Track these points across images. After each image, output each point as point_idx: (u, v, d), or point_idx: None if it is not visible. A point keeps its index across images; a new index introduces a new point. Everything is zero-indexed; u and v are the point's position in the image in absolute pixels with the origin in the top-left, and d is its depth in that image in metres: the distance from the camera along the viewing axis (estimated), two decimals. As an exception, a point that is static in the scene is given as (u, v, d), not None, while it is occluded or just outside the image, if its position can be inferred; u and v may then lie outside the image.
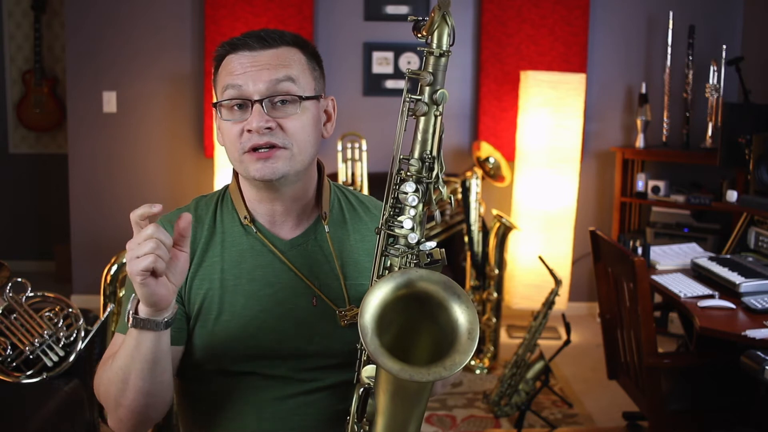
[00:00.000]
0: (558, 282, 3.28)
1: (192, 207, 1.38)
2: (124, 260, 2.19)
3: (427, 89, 1.14)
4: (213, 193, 1.41)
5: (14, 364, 1.87)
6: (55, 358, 1.88)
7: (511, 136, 4.49)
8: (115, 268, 2.22)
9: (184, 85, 4.57)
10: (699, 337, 2.62)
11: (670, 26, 4.33)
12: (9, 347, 1.87)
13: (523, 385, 3.21)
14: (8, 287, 1.87)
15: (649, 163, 4.52)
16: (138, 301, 1.14)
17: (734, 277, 2.62)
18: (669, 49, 4.34)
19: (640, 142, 4.40)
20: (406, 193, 1.15)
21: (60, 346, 1.89)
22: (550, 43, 4.50)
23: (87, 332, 1.92)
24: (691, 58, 4.29)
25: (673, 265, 2.97)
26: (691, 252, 3.10)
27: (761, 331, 2.24)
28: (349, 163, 4.13)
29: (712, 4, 4.54)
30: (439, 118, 1.15)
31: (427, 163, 1.15)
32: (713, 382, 2.64)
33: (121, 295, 2.21)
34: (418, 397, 1.16)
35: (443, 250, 1.13)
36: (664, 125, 4.39)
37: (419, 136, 1.15)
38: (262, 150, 1.24)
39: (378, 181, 4.15)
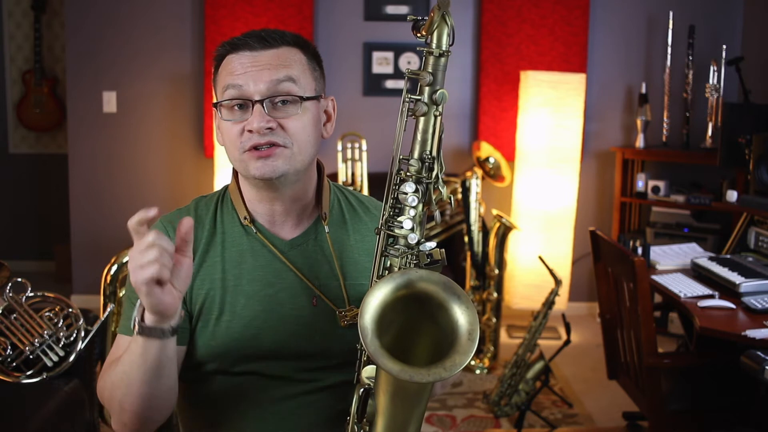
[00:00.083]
0: (558, 282, 3.28)
1: (192, 207, 1.38)
2: (125, 260, 2.20)
3: (426, 89, 1.14)
4: (213, 194, 1.41)
5: (14, 364, 1.87)
6: (55, 358, 1.88)
7: (511, 136, 4.49)
8: (115, 268, 2.21)
9: (184, 85, 4.57)
10: (699, 337, 2.62)
11: (670, 26, 4.33)
12: (9, 347, 1.87)
13: (523, 385, 3.21)
14: (8, 287, 1.87)
15: (649, 163, 4.52)
16: (144, 309, 1.12)
17: (734, 277, 2.62)
18: (669, 49, 4.34)
19: (640, 142, 4.40)
20: (406, 194, 1.15)
21: (60, 346, 1.89)
22: (550, 43, 4.50)
23: (87, 332, 1.92)
24: (691, 58, 4.29)
25: (673, 265, 2.97)
26: (691, 252, 3.10)
27: (761, 331, 2.24)
28: (349, 163, 4.13)
29: (712, 4, 4.54)
30: (438, 118, 1.15)
31: (426, 164, 1.15)
32: (713, 382, 2.64)
33: (121, 295, 2.21)
34: (418, 397, 1.16)
35: (443, 250, 1.13)
36: (664, 125, 4.39)
37: (419, 136, 1.15)
38: (263, 148, 1.24)
39: (378, 181, 4.15)
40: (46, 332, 1.88)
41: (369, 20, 4.54)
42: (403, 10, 4.49)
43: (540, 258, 3.41)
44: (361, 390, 1.17)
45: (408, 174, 1.16)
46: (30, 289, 1.89)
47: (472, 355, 1.05)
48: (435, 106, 1.14)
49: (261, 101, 1.24)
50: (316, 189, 1.37)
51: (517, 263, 4.31)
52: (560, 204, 4.24)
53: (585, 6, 4.49)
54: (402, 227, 1.15)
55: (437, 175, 1.16)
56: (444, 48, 1.13)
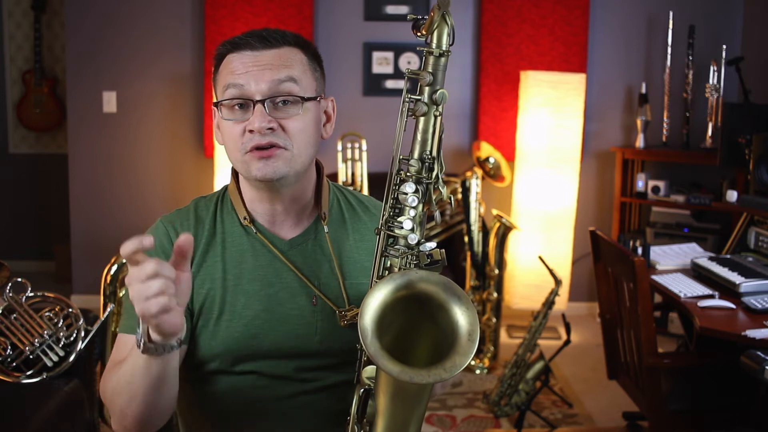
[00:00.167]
0: (558, 282, 3.28)
1: (191, 208, 1.38)
2: (124, 260, 2.20)
3: (426, 89, 1.14)
4: (212, 194, 1.41)
5: (14, 364, 1.87)
6: (55, 358, 1.88)
7: (511, 136, 4.49)
8: (115, 268, 2.22)
9: (184, 85, 4.57)
10: (699, 337, 2.62)
11: (670, 26, 4.33)
12: (9, 347, 1.87)
13: (523, 385, 3.21)
14: (8, 287, 1.87)
15: (649, 163, 4.52)
16: (148, 327, 1.10)
17: (734, 277, 2.62)
18: (669, 49, 4.34)
19: (640, 142, 4.40)
20: (406, 194, 1.15)
21: (60, 346, 1.89)
22: (550, 43, 4.50)
23: (87, 332, 1.92)
24: (691, 58, 4.29)
25: (673, 265, 2.97)
26: (691, 252, 3.10)
27: (761, 331, 2.24)
28: (349, 163, 4.13)
29: (712, 4, 4.54)
30: (438, 118, 1.15)
31: (426, 164, 1.15)
32: (713, 382, 2.64)
33: (121, 295, 2.21)
34: (419, 398, 1.16)
35: (443, 250, 1.13)
36: (664, 125, 4.39)
37: (419, 137, 1.15)
38: (264, 149, 1.24)
39: (378, 181, 4.14)
40: (46, 332, 1.88)
41: (369, 20, 4.54)
42: (403, 10, 4.49)
43: (540, 258, 3.41)
44: (362, 390, 1.17)
45: (408, 174, 1.15)
46: (30, 289, 1.89)
47: (473, 356, 1.05)
48: (435, 106, 1.14)
49: (262, 101, 1.24)
50: (315, 189, 1.37)
51: (517, 263, 4.31)
52: (560, 204, 4.24)
53: (585, 6, 4.49)
54: (402, 227, 1.15)
55: (437, 175, 1.16)
56: (444, 48, 1.13)
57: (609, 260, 2.76)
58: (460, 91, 4.60)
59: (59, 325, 1.90)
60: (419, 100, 1.14)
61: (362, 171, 4.12)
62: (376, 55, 4.55)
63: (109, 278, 2.20)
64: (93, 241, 4.61)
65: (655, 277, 2.74)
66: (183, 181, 4.64)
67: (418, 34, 1.16)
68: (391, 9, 4.51)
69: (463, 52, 4.57)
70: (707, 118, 4.22)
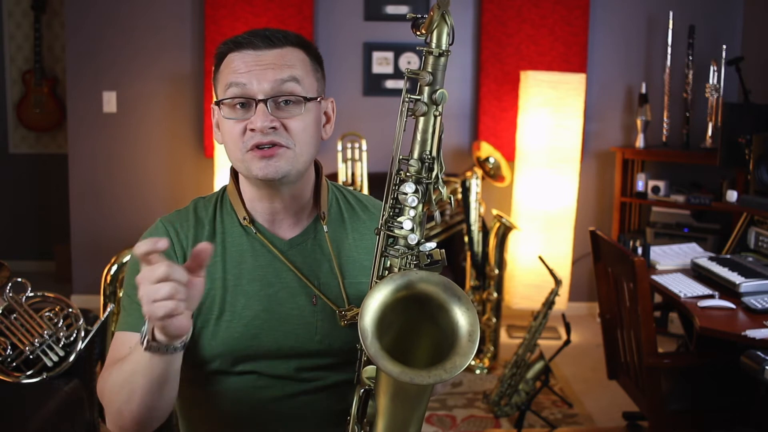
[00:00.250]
0: (558, 282, 3.28)
1: (191, 209, 1.38)
2: (125, 260, 2.20)
3: (426, 89, 1.14)
4: (211, 195, 1.41)
5: (14, 364, 1.87)
6: (55, 358, 1.88)
7: (511, 136, 4.49)
8: (115, 268, 2.22)
9: (184, 85, 4.57)
10: (699, 337, 2.62)
11: (670, 26, 4.33)
12: (9, 347, 1.87)
13: (523, 385, 3.21)
14: (8, 287, 1.87)
15: (649, 163, 4.52)
16: (153, 326, 1.09)
17: (734, 277, 2.62)
18: (669, 49, 4.34)
19: (640, 142, 4.40)
20: (406, 194, 1.15)
21: (60, 346, 1.89)
22: (550, 43, 4.50)
23: (87, 332, 1.92)
24: (691, 58, 4.29)
25: (673, 265, 2.97)
26: (691, 252, 3.10)
27: (761, 331, 2.24)
28: (349, 163, 4.13)
29: (712, 4, 4.54)
30: (438, 118, 1.15)
31: (426, 164, 1.15)
32: (713, 382, 2.64)
33: (120, 295, 2.21)
34: (419, 398, 1.16)
35: (443, 250, 1.13)
36: (664, 125, 4.39)
37: (419, 137, 1.15)
38: (265, 148, 1.24)
39: (378, 181, 4.15)
40: (46, 332, 1.88)
41: (369, 20, 4.54)
42: (403, 10, 4.49)
43: (540, 258, 3.41)
44: (362, 391, 1.17)
45: (408, 174, 1.15)
46: (30, 289, 1.89)
47: (473, 356, 1.05)
48: (435, 106, 1.14)
49: (264, 101, 1.24)
50: (314, 188, 1.37)
51: (517, 263, 4.31)
52: (560, 204, 4.24)
53: (585, 6, 4.49)
54: (402, 227, 1.15)
55: (437, 175, 1.16)
56: (444, 47, 1.13)
57: (609, 260, 2.76)
58: (460, 91, 4.60)
59: (59, 325, 1.90)
60: (419, 99, 1.14)
61: (362, 171, 4.12)
62: (376, 55, 4.55)
63: (109, 278, 2.20)
64: (93, 241, 4.61)
65: (655, 277, 2.74)
66: (183, 181, 4.64)
67: (418, 33, 1.16)
68: (391, 9, 4.51)
69: (463, 52, 4.57)
70: (707, 118, 4.22)
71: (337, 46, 4.55)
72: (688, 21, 4.35)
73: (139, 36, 4.52)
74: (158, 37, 4.53)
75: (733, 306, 2.47)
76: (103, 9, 4.49)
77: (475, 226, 3.86)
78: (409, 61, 4.53)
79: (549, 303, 3.32)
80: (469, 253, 3.88)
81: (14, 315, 1.87)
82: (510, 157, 4.46)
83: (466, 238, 3.89)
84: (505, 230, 3.83)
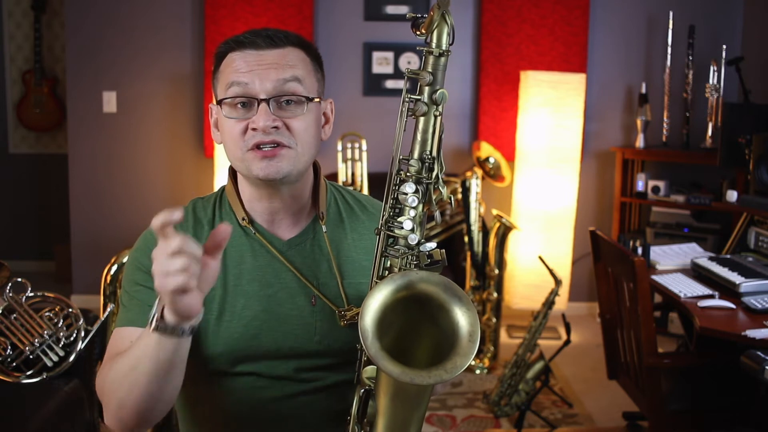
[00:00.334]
0: (558, 282, 3.28)
1: (189, 209, 1.37)
2: (124, 260, 2.20)
3: (426, 89, 1.14)
4: (210, 195, 1.41)
5: (14, 364, 1.88)
6: (55, 358, 1.88)
7: (511, 136, 4.49)
8: (115, 268, 2.22)
9: (184, 85, 4.57)
10: (699, 337, 2.62)
11: (670, 26, 4.33)
12: (9, 347, 1.88)
13: (523, 385, 3.21)
14: (8, 287, 1.87)
15: (649, 163, 4.52)
16: (163, 307, 1.09)
17: (734, 277, 2.62)
18: (669, 49, 4.34)
19: (640, 142, 4.40)
20: (406, 194, 1.15)
21: (60, 346, 1.89)
22: (550, 43, 4.50)
23: (87, 332, 1.92)
24: (691, 58, 4.29)
25: (673, 265, 2.97)
26: (691, 252, 3.10)
27: (761, 331, 2.24)
28: (349, 163, 4.13)
29: (712, 4, 4.54)
30: (438, 118, 1.15)
31: (426, 164, 1.15)
32: (713, 382, 2.64)
33: (120, 294, 2.21)
34: (419, 398, 1.16)
35: (443, 251, 1.13)
36: (664, 125, 4.39)
37: (419, 137, 1.15)
38: (267, 148, 1.24)
39: (378, 181, 4.15)
40: (46, 332, 1.88)
41: (369, 20, 4.54)
42: (403, 10, 4.49)
43: (540, 258, 3.41)
44: (362, 391, 1.17)
45: (408, 174, 1.15)
46: (30, 289, 1.89)
47: (473, 356, 1.05)
48: (435, 106, 1.14)
49: (267, 100, 1.24)
50: (313, 188, 1.36)
51: (517, 263, 4.31)
52: (560, 204, 4.24)
53: (585, 6, 4.49)
54: (402, 228, 1.15)
55: (437, 175, 1.16)
56: (444, 47, 1.13)
57: (609, 260, 2.76)
58: (460, 91, 4.60)
59: (59, 325, 1.90)
60: (419, 100, 1.14)
61: (362, 171, 4.12)
62: (376, 55, 4.55)
63: (109, 278, 2.19)
64: (93, 241, 4.61)
65: (655, 277, 2.74)
66: (183, 181, 4.64)
67: (418, 33, 1.16)
68: (391, 9, 4.51)
69: (463, 52, 4.57)
70: (707, 118, 4.22)
71: (337, 46, 4.55)
72: (688, 21, 4.36)
73: (139, 36, 4.52)
74: (158, 37, 4.53)
75: (733, 306, 2.47)
76: (103, 9, 4.49)
77: (475, 226, 3.86)
78: (409, 61, 4.53)
79: (549, 303, 3.32)
80: (469, 253, 3.88)
81: (14, 315, 1.87)
82: (510, 157, 4.46)
83: (466, 238, 3.89)
84: (505, 230, 3.83)
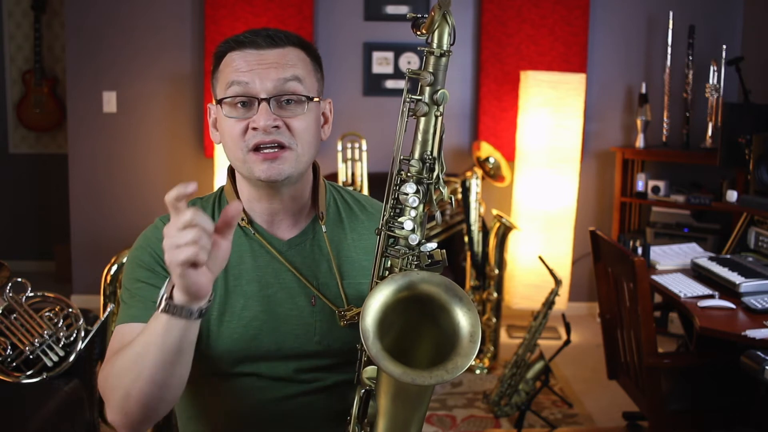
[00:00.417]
0: (558, 282, 3.28)
1: (189, 209, 1.37)
2: (124, 260, 2.20)
3: (427, 89, 1.14)
4: (209, 195, 1.40)
5: (14, 364, 1.88)
6: (55, 358, 1.88)
7: (511, 136, 4.49)
8: (115, 268, 2.21)
9: (184, 85, 4.57)
10: (699, 337, 2.62)
11: (670, 26, 4.33)
12: (9, 347, 1.88)
13: (523, 385, 3.21)
14: (8, 287, 1.87)
15: (649, 163, 4.52)
16: (173, 287, 1.07)
17: (734, 277, 2.62)
18: (669, 49, 4.34)
19: (640, 142, 4.40)
20: (407, 194, 1.15)
21: (60, 346, 1.89)
22: (550, 43, 4.50)
23: (87, 332, 1.92)
24: (691, 58, 4.29)
25: (673, 265, 2.97)
26: (691, 252, 3.10)
27: (761, 331, 2.24)
28: (349, 163, 4.13)
29: (712, 4, 4.54)
30: (439, 118, 1.15)
31: (427, 164, 1.15)
32: (713, 382, 2.64)
33: (120, 294, 2.21)
34: (420, 399, 1.16)
35: (444, 251, 1.13)
36: (664, 125, 4.39)
37: (420, 137, 1.15)
38: (268, 150, 1.24)
39: (378, 181, 4.14)
40: (46, 332, 1.88)
41: (369, 20, 4.54)
42: (403, 10, 4.49)
43: (540, 258, 3.41)
44: (362, 391, 1.17)
45: (409, 174, 1.15)
46: (30, 289, 1.89)
47: (474, 357, 1.05)
48: (436, 107, 1.14)
49: (267, 99, 1.24)
50: (312, 188, 1.36)
51: (517, 263, 4.31)
52: (560, 204, 4.24)
53: (585, 6, 4.49)
54: (403, 228, 1.15)
55: (438, 175, 1.16)
56: (445, 48, 1.13)
57: (609, 260, 2.76)
58: (460, 91, 4.60)
59: (59, 325, 1.90)
60: (420, 100, 1.14)
61: (362, 171, 4.12)
62: (376, 55, 4.55)
63: (109, 278, 2.19)
64: (93, 241, 4.61)
65: (655, 277, 2.74)
66: (183, 181, 4.62)
67: (418, 33, 1.16)
68: (391, 9, 4.51)
69: (463, 52, 4.57)
70: (707, 118, 4.22)
71: (337, 46, 4.55)
72: (688, 21, 4.36)
73: (139, 36, 4.52)
74: (158, 37, 4.53)
75: (733, 306, 2.47)
76: (103, 9, 4.49)
77: (475, 226, 3.86)
78: (409, 61, 4.53)
79: (549, 303, 3.32)
80: (469, 253, 3.88)
81: (14, 315, 1.87)
82: (510, 157, 4.46)
83: (466, 238, 3.89)
84: (505, 230, 3.83)
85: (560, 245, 4.26)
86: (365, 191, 4.07)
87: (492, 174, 4.29)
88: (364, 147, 4.13)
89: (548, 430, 3.17)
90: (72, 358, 1.90)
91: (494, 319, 3.84)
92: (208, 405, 1.33)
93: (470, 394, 3.49)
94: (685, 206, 4.17)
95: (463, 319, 1.08)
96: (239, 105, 1.25)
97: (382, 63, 4.55)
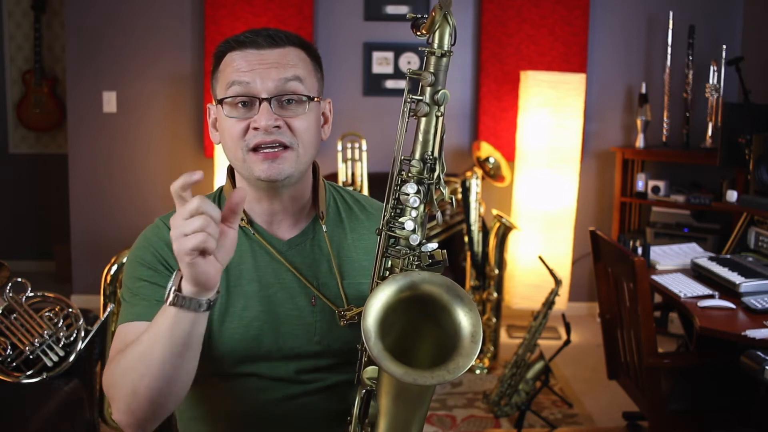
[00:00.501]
0: (558, 282, 3.28)
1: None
2: (124, 260, 2.20)
3: (428, 90, 1.14)
4: (208, 195, 1.40)
5: (14, 364, 1.88)
6: (55, 358, 1.88)
7: (511, 136, 4.49)
8: (115, 268, 2.22)
9: (184, 85, 4.57)
10: (699, 337, 2.62)
11: (670, 26, 4.33)
12: (9, 347, 1.88)
13: (523, 385, 3.21)
14: (8, 287, 1.87)
15: (649, 163, 4.52)
16: (181, 278, 1.07)
17: (734, 277, 2.62)
18: (669, 49, 4.34)
19: (640, 142, 4.40)
20: (408, 195, 1.15)
21: (60, 346, 1.89)
22: (550, 43, 4.50)
23: (87, 332, 1.92)
24: (691, 58, 4.29)
25: (673, 265, 2.97)
26: (691, 252, 3.10)
27: (761, 331, 2.24)
28: (349, 163, 4.13)
29: (712, 4, 4.54)
30: (440, 118, 1.15)
31: (428, 164, 1.15)
32: (713, 382, 2.64)
33: (120, 294, 2.21)
34: (421, 399, 1.16)
35: (445, 251, 1.13)
36: (664, 125, 4.39)
37: (420, 137, 1.15)
38: (268, 149, 1.24)
39: (378, 182, 4.14)
40: (46, 332, 1.88)
41: (369, 20, 4.54)
42: (403, 10, 4.49)
43: (540, 258, 3.41)
44: (363, 391, 1.17)
45: (409, 175, 1.15)
46: (30, 289, 1.89)
47: (476, 357, 1.05)
48: (437, 107, 1.14)
49: (268, 99, 1.24)
50: (312, 188, 1.36)
51: (517, 263, 4.31)
52: (560, 204, 4.24)
53: (585, 6, 4.49)
54: (404, 228, 1.15)
55: (439, 175, 1.16)
56: (446, 48, 1.13)
57: (609, 260, 2.76)
58: (460, 91, 4.60)
59: (59, 325, 1.90)
60: (421, 100, 1.14)
61: (362, 171, 4.12)
62: (376, 55, 4.55)
63: (109, 278, 2.19)
64: (93, 241, 4.61)
65: (655, 277, 2.74)
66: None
67: (418, 33, 1.16)
68: (391, 9, 4.51)
69: (463, 52, 4.57)
70: (707, 118, 4.22)
71: (337, 46, 4.55)
72: (688, 21, 4.36)
73: (139, 36, 4.52)
74: (158, 37, 4.53)
75: (733, 306, 2.47)
76: (103, 9, 4.49)
77: (475, 226, 3.86)
78: (409, 61, 4.53)
79: (549, 303, 3.32)
80: (469, 253, 3.88)
81: (14, 315, 1.87)
82: (510, 157, 4.46)
83: (466, 238, 3.89)
84: (505, 230, 3.83)
85: (560, 245, 4.26)
86: (365, 191, 4.07)
87: (492, 174, 4.29)
88: (364, 147, 4.13)
89: (548, 430, 3.17)
90: (72, 358, 1.90)
91: (494, 319, 3.84)
92: (208, 406, 1.32)
93: (470, 394, 3.50)
94: (685, 206, 4.17)
95: (465, 319, 1.08)
96: (240, 105, 1.25)
97: (382, 63, 4.55)
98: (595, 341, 4.15)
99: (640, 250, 3.00)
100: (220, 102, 1.27)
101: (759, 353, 2.09)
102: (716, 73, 4.14)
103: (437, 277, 1.10)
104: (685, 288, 2.63)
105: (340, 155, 4.12)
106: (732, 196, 3.69)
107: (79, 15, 4.49)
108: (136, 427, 1.16)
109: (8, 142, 5.35)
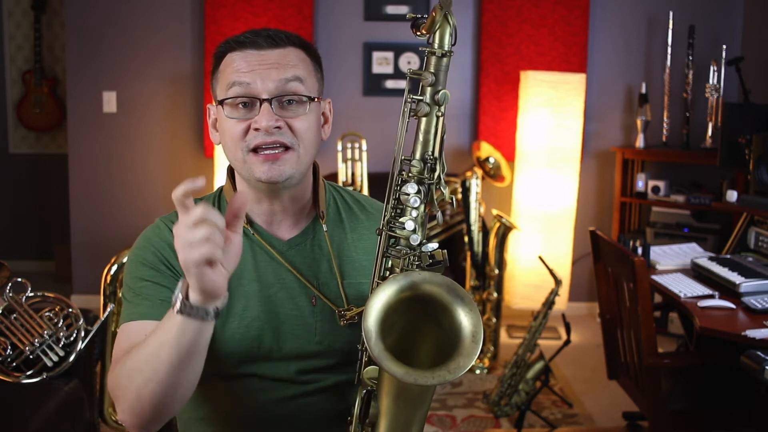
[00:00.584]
0: (558, 282, 3.28)
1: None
2: (124, 260, 2.20)
3: (428, 90, 1.14)
4: (208, 195, 1.40)
5: (14, 364, 1.88)
6: (55, 358, 1.88)
7: (511, 136, 4.49)
8: (115, 268, 2.21)
9: (184, 85, 4.57)
10: (699, 337, 2.62)
11: (670, 26, 4.33)
12: (9, 347, 1.88)
13: (523, 385, 3.21)
14: (8, 287, 1.87)
15: (649, 163, 4.52)
16: (188, 287, 1.05)
17: (734, 277, 2.62)
18: (669, 49, 4.34)
19: (640, 142, 4.40)
20: (408, 195, 1.15)
21: (60, 346, 1.89)
22: (550, 43, 4.50)
23: (87, 332, 1.92)
24: (691, 58, 4.29)
25: (673, 265, 2.97)
26: (691, 252, 3.10)
27: (761, 331, 2.24)
28: (349, 163, 4.13)
29: (712, 4, 4.54)
30: (440, 118, 1.15)
31: (428, 164, 1.15)
32: (713, 382, 2.64)
33: (120, 295, 2.21)
34: (421, 399, 1.16)
35: (445, 251, 1.13)
36: (664, 125, 4.39)
37: (421, 137, 1.15)
38: (269, 151, 1.23)
39: (378, 182, 4.14)
40: (46, 332, 1.88)
41: (369, 20, 4.54)
42: (403, 10, 4.49)
43: (540, 258, 3.41)
44: (364, 391, 1.17)
45: (410, 175, 1.15)
46: (30, 289, 1.89)
47: (476, 357, 1.05)
48: (437, 107, 1.14)
49: (269, 100, 1.23)
50: (313, 188, 1.36)
51: (517, 263, 4.31)
52: (560, 204, 4.24)
53: (585, 6, 4.49)
54: (404, 228, 1.15)
55: (439, 175, 1.16)
56: (446, 48, 1.13)
57: (609, 260, 2.76)
58: (460, 91, 4.60)
59: (59, 325, 1.90)
60: (421, 100, 1.14)
61: (362, 171, 4.12)
62: (376, 55, 4.55)
63: (109, 278, 2.19)
64: (93, 241, 4.61)
65: (655, 277, 2.74)
66: (183, 181, 4.63)
67: (418, 33, 1.16)
68: (391, 9, 4.51)
69: (463, 52, 4.57)
70: (707, 118, 4.22)
71: (337, 46, 4.55)
72: (688, 21, 4.36)
73: (139, 36, 4.52)
74: (158, 37, 4.53)
75: (733, 306, 2.47)
76: (103, 9, 4.49)
77: (475, 226, 3.86)
78: (409, 61, 4.53)
79: (549, 303, 3.32)
80: (469, 253, 3.88)
81: (14, 315, 1.87)
82: (510, 157, 4.46)
83: (466, 238, 3.89)
84: (505, 230, 3.83)
85: (560, 245, 4.26)
86: (365, 191, 4.07)
87: (492, 174, 4.29)
88: (364, 147, 4.13)
89: (548, 430, 3.17)
90: (72, 358, 1.90)
91: (494, 319, 3.84)
92: (209, 406, 1.32)
93: (470, 394, 3.50)
94: (685, 206, 4.17)
95: (465, 319, 1.08)
96: (240, 106, 1.25)
97: (382, 63, 4.55)
98: (595, 341, 4.15)
99: (640, 250, 3.00)
100: (221, 103, 1.27)
101: (759, 353, 2.09)
102: (716, 73, 4.14)
103: (438, 277, 1.10)
104: (685, 288, 2.63)
105: (340, 155, 4.12)
106: (732, 196, 3.69)
107: (79, 15, 4.49)
108: (140, 428, 1.16)
109: (8, 142, 5.35)
